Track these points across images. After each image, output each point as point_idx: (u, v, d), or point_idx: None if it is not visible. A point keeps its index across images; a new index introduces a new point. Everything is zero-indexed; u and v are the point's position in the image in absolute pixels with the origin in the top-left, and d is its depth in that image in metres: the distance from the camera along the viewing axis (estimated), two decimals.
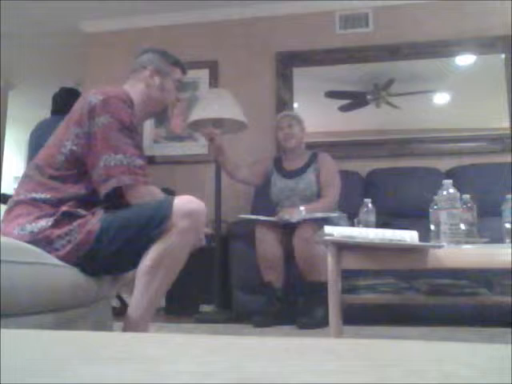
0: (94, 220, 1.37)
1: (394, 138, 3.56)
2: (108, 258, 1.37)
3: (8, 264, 1.05)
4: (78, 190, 1.43)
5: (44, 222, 1.35)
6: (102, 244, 1.35)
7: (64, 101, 3.26)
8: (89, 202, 1.43)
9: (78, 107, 1.49)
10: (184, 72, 1.79)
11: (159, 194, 1.50)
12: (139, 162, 1.46)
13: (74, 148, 1.43)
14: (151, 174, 1.55)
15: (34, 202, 1.39)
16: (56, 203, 1.39)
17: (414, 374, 0.39)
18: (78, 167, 1.44)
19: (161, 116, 1.76)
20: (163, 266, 1.37)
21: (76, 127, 1.45)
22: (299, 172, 2.89)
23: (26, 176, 1.48)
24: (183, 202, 1.40)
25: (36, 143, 3.08)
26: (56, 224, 1.35)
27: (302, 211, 2.65)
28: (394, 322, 2.42)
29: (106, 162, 1.41)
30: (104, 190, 1.41)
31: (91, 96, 1.47)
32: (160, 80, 1.69)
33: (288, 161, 3.01)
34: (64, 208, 1.37)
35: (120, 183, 1.41)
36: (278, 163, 3.04)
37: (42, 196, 1.40)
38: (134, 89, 1.65)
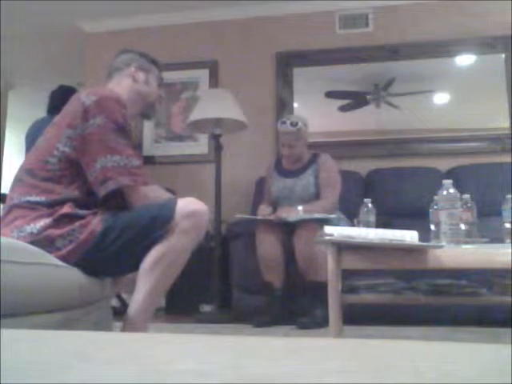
0: (97, 220, 1.37)
1: (394, 138, 3.56)
2: (109, 259, 1.37)
3: (8, 264, 1.04)
4: (72, 190, 1.41)
5: (42, 222, 1.34)
6: (105, 244, 1.34)
7: (62, 100, 3.24)
8: (85, 202, 1.41)
9: (70, 109, 1.46)
10: (161, 72, 1.79)
11: (162, 193, 1.49)
12: (136, 162, 1.44)
13: (67, 150, 1.41)
14: (149, 173, 1.54)
15: (28, 205, 1.37)
16: (51, 205, 1.37)
17: (414, 374, 0.39)
18: (71, 169, 1.42)
19: (149, 113, 1.76)
20: (164, 266, 1.37)
21: (69, 129, 1.42)
22: (298, 172, 2.89)
23: (17, 180, 1.45)
24: (186, 204, 1.40)
25: (32, 143, 3.06)
26: (56, 224, 1.34)
27: (299, 211, 2.65)
28: (394, 322, 2.42)
29: (103, 164, 1.39)
30: (103, 191, 1.40)
31: (84, 97, 1.44)
32: (145, 75, 1.70)
33: (288, 161, 3.00)
34: (63, 210, 1.36)
35: (118, 185, 1.40)
36: (278, 163, 3.04)
37: (37, 199, 1.38)
38: (121, 86, 1.64)
